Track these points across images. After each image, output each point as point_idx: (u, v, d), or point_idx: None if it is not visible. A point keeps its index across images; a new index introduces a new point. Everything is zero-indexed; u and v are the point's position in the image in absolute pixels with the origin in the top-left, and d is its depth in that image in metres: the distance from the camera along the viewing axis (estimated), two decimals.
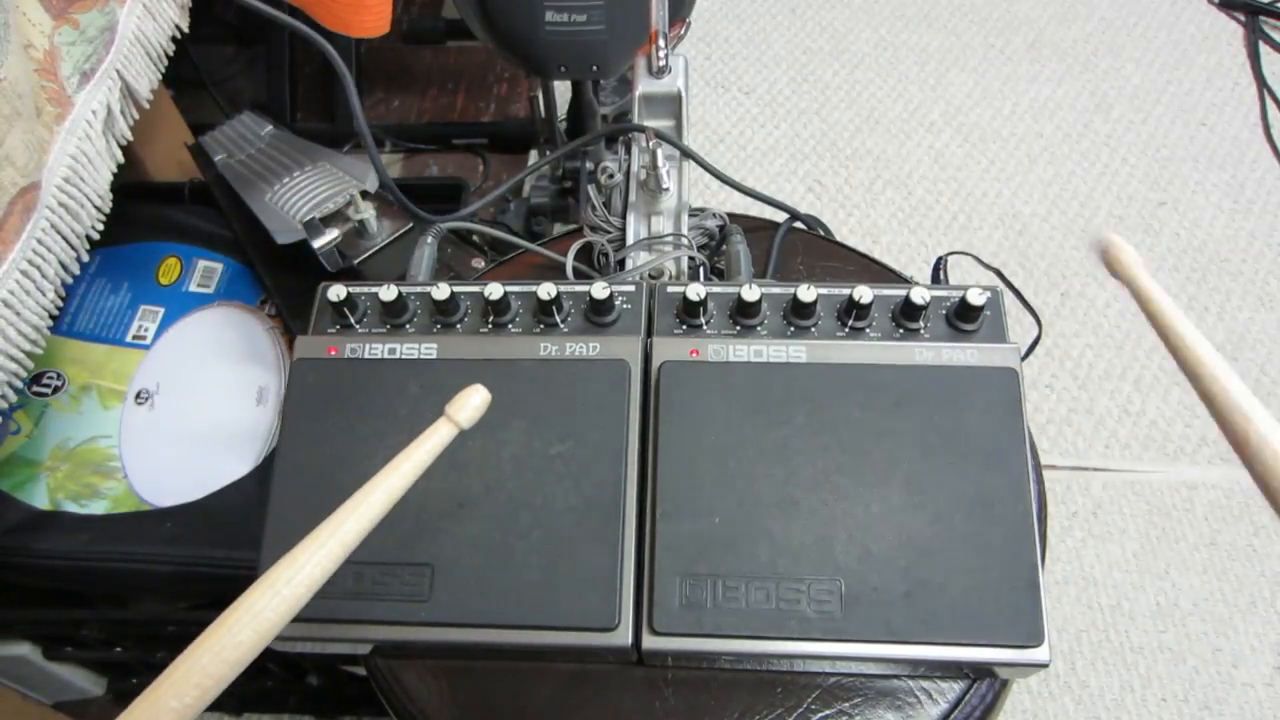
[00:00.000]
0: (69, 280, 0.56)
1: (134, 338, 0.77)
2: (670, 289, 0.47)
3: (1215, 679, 0.97)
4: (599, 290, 0.45)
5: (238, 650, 0.30)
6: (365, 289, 0.48)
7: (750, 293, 0.44)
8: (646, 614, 0.39)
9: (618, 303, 0.46)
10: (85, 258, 0.57)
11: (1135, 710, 0.97)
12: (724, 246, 0.59)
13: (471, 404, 0.38)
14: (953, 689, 0.45)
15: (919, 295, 0.43)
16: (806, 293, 0.44)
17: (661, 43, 0.59)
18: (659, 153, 0.57)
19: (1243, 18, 1.52)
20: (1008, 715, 0.98)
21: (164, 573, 0.66)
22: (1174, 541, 1.05)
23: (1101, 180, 1.35)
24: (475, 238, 0.79)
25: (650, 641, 0.39)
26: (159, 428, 0.72)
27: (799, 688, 0.44)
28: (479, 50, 1.17)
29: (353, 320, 0.47)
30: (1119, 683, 0.99)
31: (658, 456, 0.42)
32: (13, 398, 0.52)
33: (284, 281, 0.78)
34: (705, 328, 0.45)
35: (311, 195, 0.76)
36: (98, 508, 0.69)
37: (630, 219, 0.59)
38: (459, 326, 0.47)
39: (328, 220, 0.73)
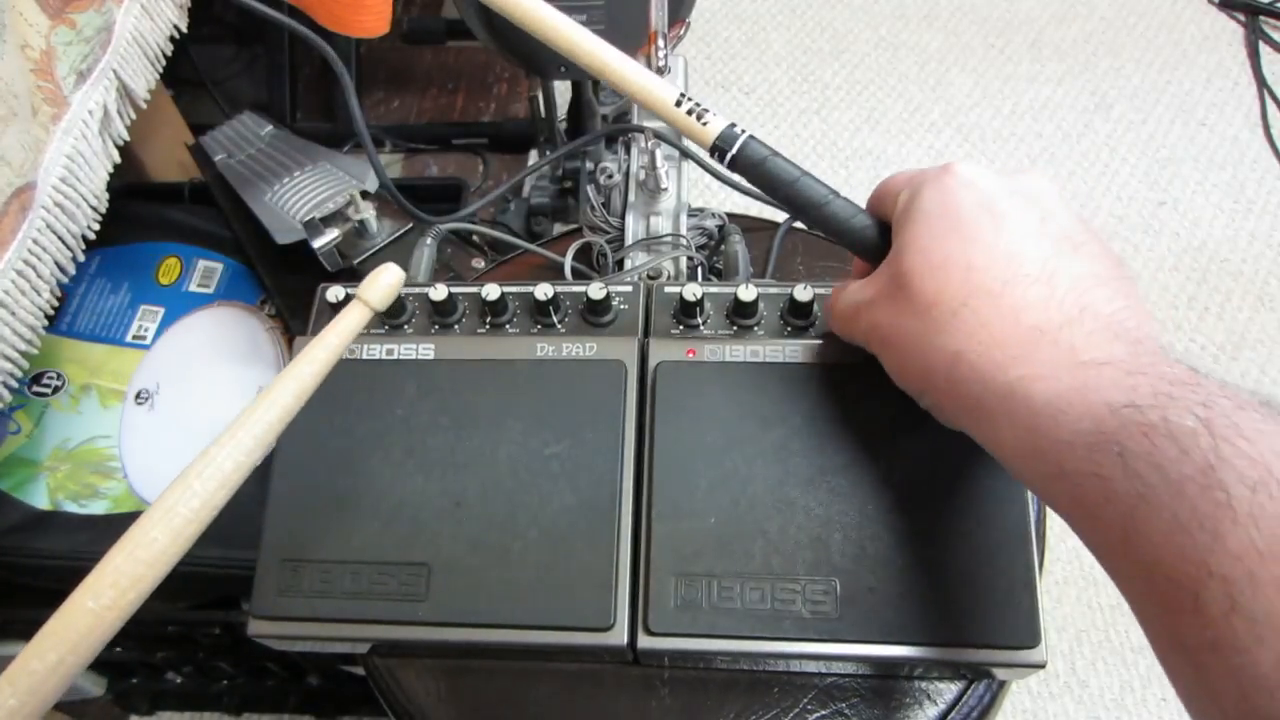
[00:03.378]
0: (65, 280, 0.56)
1: (134, 338, 0.77)
2: (667, 289, 0.47)
3: None
4: (596, 291, 0.45)
5: (150, 549, 0.30)
6: None
7: (747, 293, 0.44)
8: (642, 614, 0.39)
9: (615, 303, 0.46)
10: (81, 258, 0.57)
11: (1135, 710, 0.97)
12: (723, 246, 0.59)
13: (384, 282, 0.37)
14: (950, 689, 0.45)
15: None
16: (803, 292, 0.44)
17: (661, 43, 0.59)
18: (658, 153, 0.57)
19: (1243, 18, 1.52)
20: (1008, 715, 0.98)
21: None
22: None
23: (1101, 180, 1.35)
24: (475, 238, 0.79)
25: (646, 641, 0.39)
26: (159, 428, 0.73)
27: (795, 688, 0.44)
28: (479, 50, 1.16)
29: None
30: (1119, 683, 0.99)
31: (654, 456, 0.42)
32: (8, 397, 0.52)
33: (284, 281, 0.78)
34: (702, 328, 0.45)
35: (311, 195, 0.76)
36: (98, 508, 0.69)
37: (629, 219, 0.59)
38: (457, 327, 0.47)
39: (328, 220, 0.73)
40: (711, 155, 0.40)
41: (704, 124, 0.39)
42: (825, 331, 0.44)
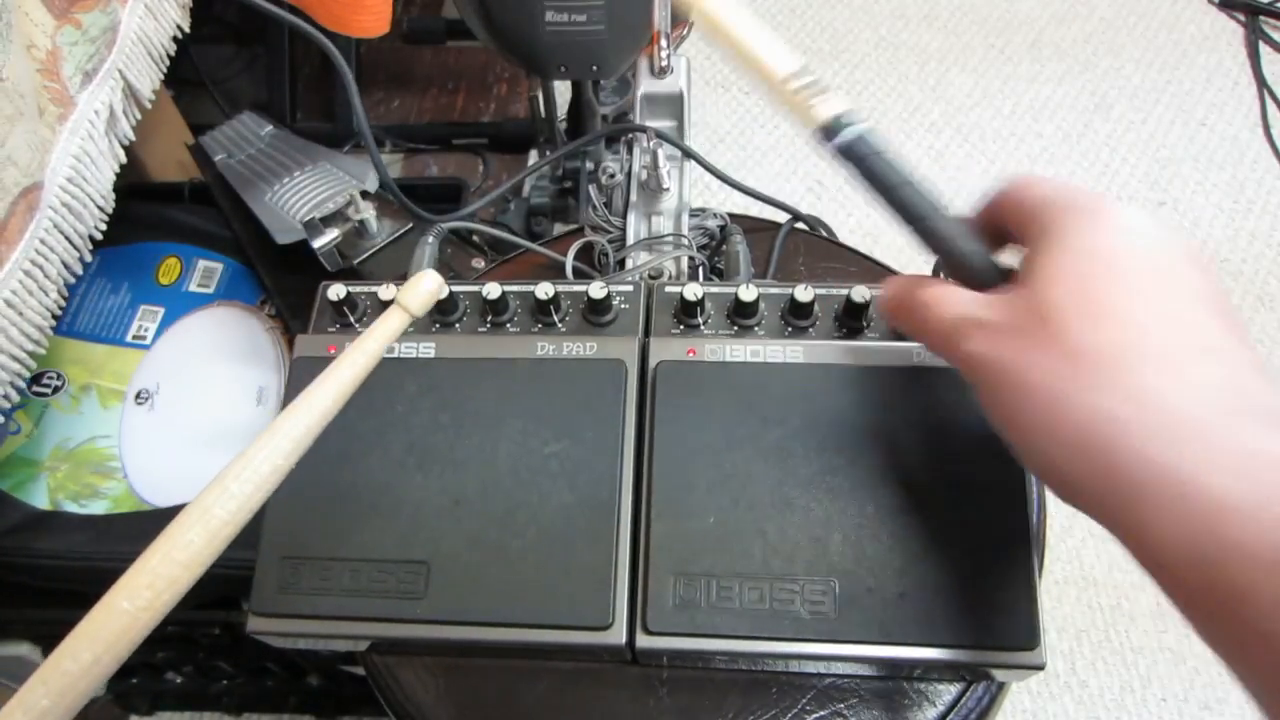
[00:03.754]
0: (72, 280, 0.56)
1: (134, 338, 0.77)
2: (668, 289, 0.47)
3: (1215, 679, 0.97)
4: (597, 290, 0.45)
5: (187, 550, 0.30)
6: (365, 288, 0.48)
7: (748, 293, 0.44)
8: (640, 613, 0.39)
9: (615, 302, 0.46)
10: (89, 258, 0.57)
11: (1135, 710, 0.97)
12: (724, 247, 0.59)
13: (424, 289, 0.37)
14: (949, 690, 0.45)
15: None
16: (804, 293, 0.44)
17: (664, 43, 0.59)
18: (660, 153, 0.58)
19: (1243, 18, 1.52)
20: (1008, 714, 0.98)
21: None
22: None
23: (1101, 180, 1.35)
24: (475, 238, 0.80)
25: (644, 640, 0.39)
26: (159, 428, 0.73)
27: (794, 688, 0.44)
28: (479, 50, 1.17)
29: (353, 319, 0.48)
30: (1119, 683, 0.99)
31: (653, 456, 0.42)
32: (15, 398, 0.52)
33: (284, 281, 0.78)
34: (703, 328, 0.45)
35: (311, 195, 0.76)
36: (98, 508, 0.69)
37: (631, 219, 0.59)
38: (458, 326, 0.47)
39: (328, 220, 0.73)
40: (820, 138, 0.36)
41: (816, 105, 0.35)
42: (826, 332, 0.45)
